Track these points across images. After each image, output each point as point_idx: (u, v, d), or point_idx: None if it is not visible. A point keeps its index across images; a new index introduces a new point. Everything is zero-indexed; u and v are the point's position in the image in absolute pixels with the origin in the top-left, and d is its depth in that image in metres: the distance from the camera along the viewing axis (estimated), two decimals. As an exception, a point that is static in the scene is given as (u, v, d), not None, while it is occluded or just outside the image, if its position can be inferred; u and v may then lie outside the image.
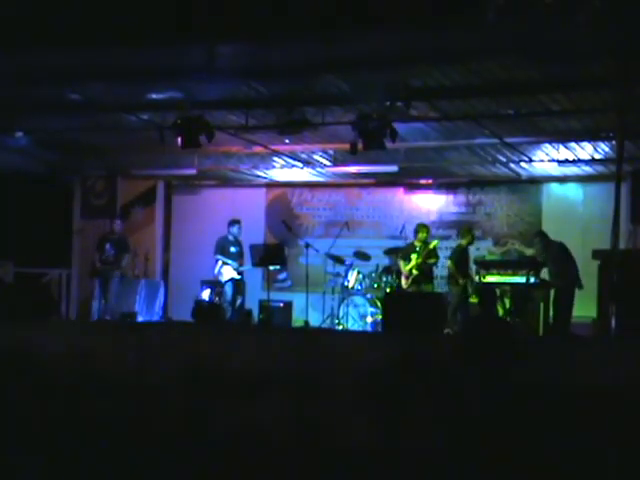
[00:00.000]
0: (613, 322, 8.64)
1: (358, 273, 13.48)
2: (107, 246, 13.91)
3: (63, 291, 15.12)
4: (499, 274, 12.31)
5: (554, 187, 14.54)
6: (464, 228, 13.47)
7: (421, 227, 13.26)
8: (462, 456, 3.85)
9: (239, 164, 14.74)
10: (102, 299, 13.86)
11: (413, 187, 15.44)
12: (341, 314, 13.14)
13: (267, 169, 15.01)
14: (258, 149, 13.39)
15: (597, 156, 12.73)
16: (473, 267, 13.11)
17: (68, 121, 11.94)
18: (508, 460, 3.78)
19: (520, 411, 4.87)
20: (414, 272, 12.91)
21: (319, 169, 14.53)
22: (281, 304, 14.14)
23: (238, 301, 13.75)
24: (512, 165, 13.65)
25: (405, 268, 12.99)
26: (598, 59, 8.80)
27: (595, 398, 5.33)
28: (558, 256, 12.07)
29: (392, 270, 13.56)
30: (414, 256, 12.95)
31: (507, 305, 12.14)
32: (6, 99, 10.66)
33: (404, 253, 13.17)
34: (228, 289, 13.52)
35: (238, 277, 13.62)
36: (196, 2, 8.62)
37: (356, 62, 9.12)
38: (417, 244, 13.09)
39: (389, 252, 14.03)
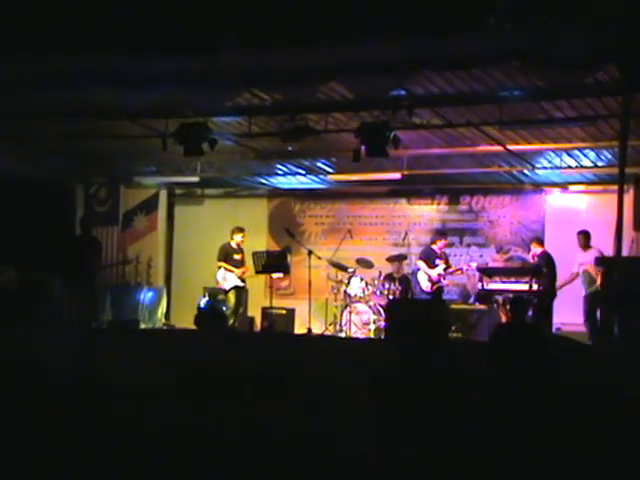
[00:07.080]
0: (616, 329, 8.63)
1: (361, 280, 13.46)
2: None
3: (65, 297, 15.05)
4: (502, 281, 12.28)
5: (557, 194, 14.50)
6: None
7: (441, 234, 13.76)
8: (468, 467, 3.82)
9: (242, 171, 14.74)
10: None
11: (416, 194, 15.41)
12: (344, 321, 13.11)
13: (270, 176, 15.02)
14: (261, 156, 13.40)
15: (600, 163, 12.74)
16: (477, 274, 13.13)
17: (71, 127, 11.95)
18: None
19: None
20: (443, 280, 13.15)
21: (322, 176, 14.54)
22: (283, 311, 14.10)
23: (241, 308, 13.72)
24: (515, 172, 13.65)
25: (433, 272, 13.13)
26: (601, 66, 8.81)
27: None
28: None
29: (394, 277, 13.59)
30: (440, 262, 13.15)
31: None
32: (8, 104, 10.66)
33: (426, 256, 13.31)
34: (231, 296, 13.50)
35: (241, 284, 13.60)
36: (199, 10, 8.65)
37: (359, 69, 9.13)
38: (437, 251, 13.32)
39: (392, 259, 14.03)
